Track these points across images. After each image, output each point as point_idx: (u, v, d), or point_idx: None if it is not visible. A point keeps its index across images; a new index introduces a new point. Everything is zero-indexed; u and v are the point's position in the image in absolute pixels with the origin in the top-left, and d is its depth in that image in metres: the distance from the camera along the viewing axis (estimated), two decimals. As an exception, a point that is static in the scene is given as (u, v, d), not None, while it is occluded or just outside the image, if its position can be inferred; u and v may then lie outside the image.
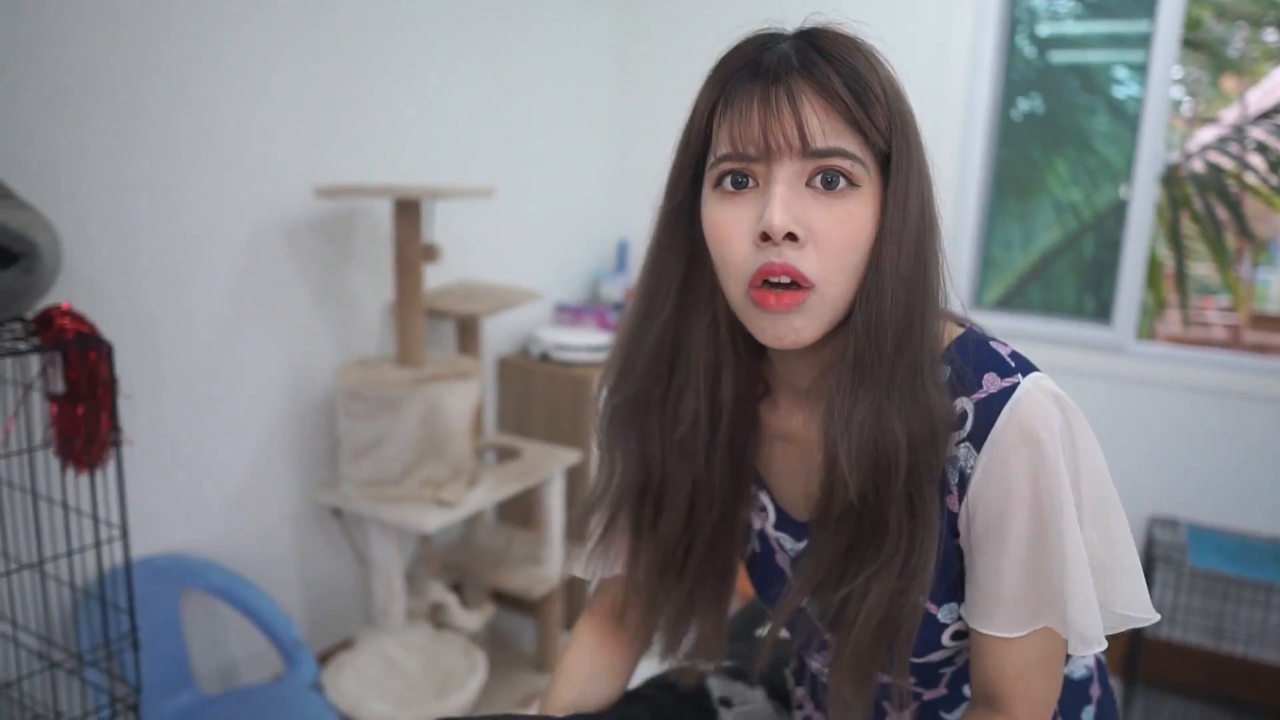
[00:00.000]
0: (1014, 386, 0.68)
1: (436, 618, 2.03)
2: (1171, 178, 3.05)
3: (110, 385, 1.28)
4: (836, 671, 0.75)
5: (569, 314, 2.63)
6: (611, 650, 0.95)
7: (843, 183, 0.67)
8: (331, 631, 2.14)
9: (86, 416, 1.28)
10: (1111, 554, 0.69)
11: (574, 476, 2.39)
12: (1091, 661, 0.88)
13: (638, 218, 2.97)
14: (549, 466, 2.13)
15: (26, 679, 1.46)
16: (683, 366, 0.79)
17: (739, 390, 0.80)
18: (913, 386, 0.69)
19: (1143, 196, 2.33)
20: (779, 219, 0.65)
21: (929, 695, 0.84)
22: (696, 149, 0.73)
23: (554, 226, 2.69)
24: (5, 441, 1.38)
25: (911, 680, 0.82)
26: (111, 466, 1.31)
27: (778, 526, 0.86)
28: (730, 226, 0.69)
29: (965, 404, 0.70)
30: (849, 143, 0.67)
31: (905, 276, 0.68)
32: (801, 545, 0.84)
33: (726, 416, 0.80)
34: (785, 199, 0.66)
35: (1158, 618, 0.71)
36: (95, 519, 1.35)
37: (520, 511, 2.49)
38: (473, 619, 2.02)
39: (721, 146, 0.69)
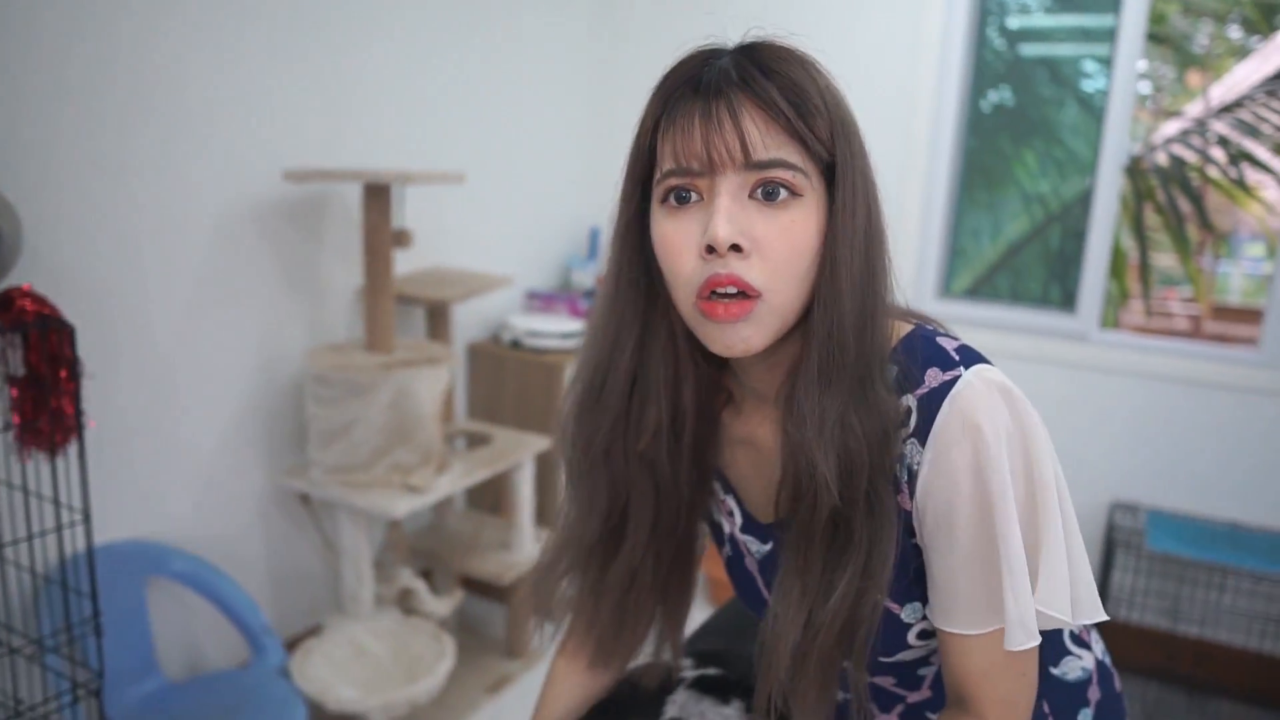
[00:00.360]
0: (955, 379, 0.69)
1: (405, 604, 2.02)
2: (1135, 169, 3.10)
3: (72, 368, 1.27)
4: (801, 673, 0.76)
5: (540, 301, 2.63)
6: (590, 667, 0.97)
7: (784, 193, 0.68)
8: (299, 618, 2.13)
9: (47, 399, 1.26)
10: (1037, 551, 0.68)
11: (544, 463, 2.39)
12: (1091, 664, 0.87)
13: (610, 205, 2.96)
14: (519, 453, 2.13)
15: (-14, 666, 1.44)
16: (643, 381, 0.80)
17: (700, 400, 0.82)
18: (864, 388, 0.70)
19: (1107, 187, 2.36)
20: (723, 231, 0.66)
21: (913, 698, 0.85)
22: (644, 165, 0.74)
23: (525, 213, 2.68)
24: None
25: (891, 681, 0.83)
26: (74, 450, 1.29)
27: (744, 530, 0.87)
28: (677, 240, 0.70)
29: (909, 400, 0.71)
30: (790, 153, 0.68)
31: (858, 280, 0.70)
32: (767, 548, 0.85)
33: (689, 425, 0.82)
34: (729, 211, 0.67)
35: (1073, 623, 0.69)
36: (57, 503, 1.34)
37: (490, 498, 2.49)
38: (442, 605, 2.02)
39: (666, 162, 0.71)
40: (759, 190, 0.68)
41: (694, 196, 0.70)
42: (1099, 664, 0.89)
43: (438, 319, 2.24)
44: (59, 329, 1.25)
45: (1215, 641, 2.25)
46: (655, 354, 0.79)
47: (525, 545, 2.20)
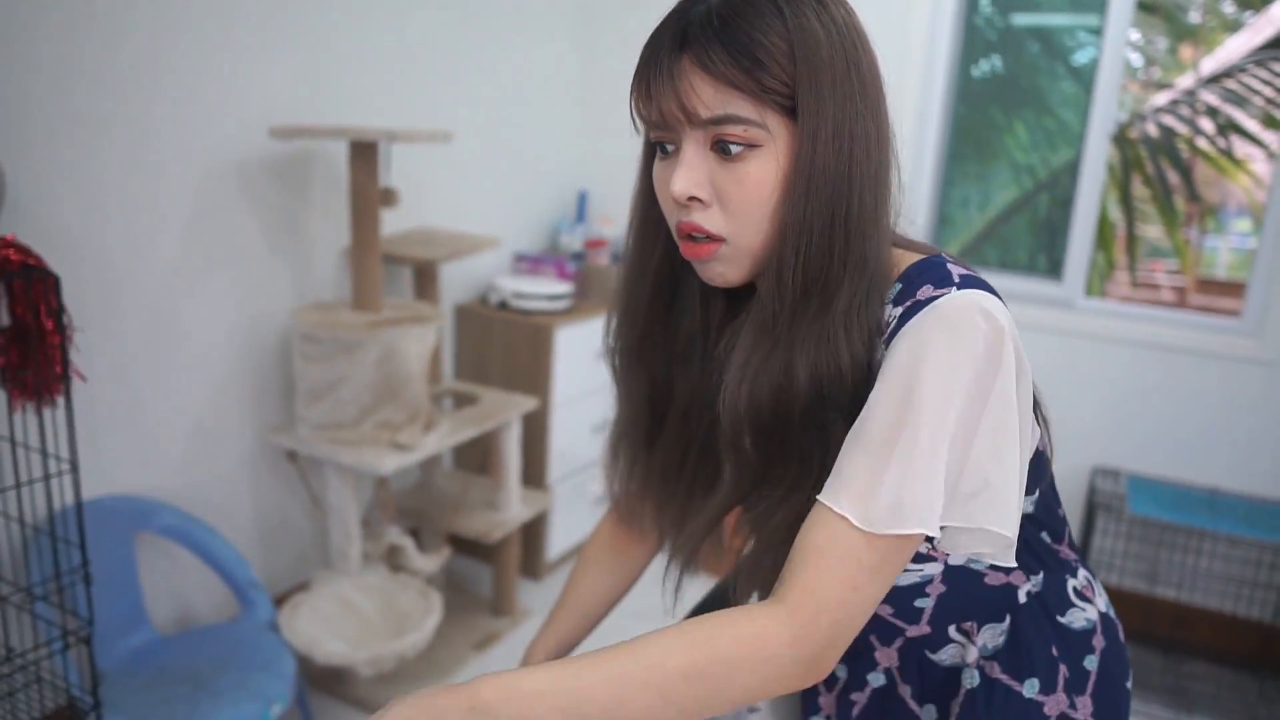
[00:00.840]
0: (942, 295, 0.69)
1: (393, 561, 2.04)
2: (1123, 138, 3.10)
3: (58, 318, 1.27)
4: (747, 569, 0.81)
5: (528, 263, 2.63)
6: (625, 550, 1.04)
7: (738, 147, 0.70)
8: (288, 574, 2.14)
9: (34, 350, 1.26)
10: (999, 473, 0.67)
11: (531, 423, 2.40)
12: (1095, 616, 0.88)
13: (598, 168, 2.95)
14: (507, 412, 2.14)
15: (-25, 614, 1.45)
16: (680, 294, 0.86)
17: (726, 313, 0.86)
18: (822, 326, 0.72)
19: (1094, 154, 2.37)
20: (678, 186, 0.71)
21: (913, 632, 0.86)
22: None
23: (514, 175, 2.67)
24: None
25: (889, 610, 0.84)
26: (61, 402, 1.30)
27: None
28: (661, 186, 0.76)
29: (898, 311, 0.71)
30: (739, 108, 0.68)
31: (819, 224, 0.70)
32: None
33: (713, 334, 0.86)
34: (689, 166, 0.71)
35: (1013, 539, 0.68)
36: (44, 453, 1.34)
37: (477, 458, 2.51)
38: (429, 562, 2.03)
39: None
40: (716, 145, 0.70)
41: (670, 147, 0.74)
42: (1103, 615, 0.90)
43: (425, 279, 2.24)
44: (43, 278, 1.25)
45: (1192, 604, 2.29)
46: (689, 270, 0.83)
47: (512, 505, 2.21)
